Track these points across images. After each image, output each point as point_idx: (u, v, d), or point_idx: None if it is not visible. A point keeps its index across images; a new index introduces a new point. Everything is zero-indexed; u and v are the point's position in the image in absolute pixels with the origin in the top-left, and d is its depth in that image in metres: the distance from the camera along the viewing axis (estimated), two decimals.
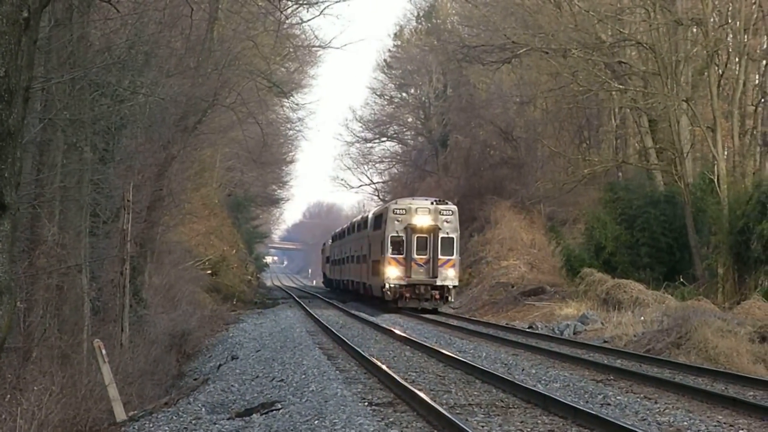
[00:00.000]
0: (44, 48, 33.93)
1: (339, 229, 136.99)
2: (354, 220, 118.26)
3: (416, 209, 76.65)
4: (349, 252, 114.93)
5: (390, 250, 76.82)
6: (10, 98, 19.13)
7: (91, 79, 41.45)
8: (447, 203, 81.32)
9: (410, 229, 75.67)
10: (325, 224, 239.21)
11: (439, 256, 75.35)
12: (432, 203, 78.52)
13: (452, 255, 76.09)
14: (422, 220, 75.73)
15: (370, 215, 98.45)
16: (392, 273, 76.47)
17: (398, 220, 76.46)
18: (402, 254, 75.90)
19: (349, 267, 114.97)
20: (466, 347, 50.83)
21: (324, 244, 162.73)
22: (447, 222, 75.95)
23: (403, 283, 76.21)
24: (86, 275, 43.90)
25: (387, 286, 76.81)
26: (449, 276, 75.65)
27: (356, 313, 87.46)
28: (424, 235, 75.72)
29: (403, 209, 77.20)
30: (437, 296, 76.35)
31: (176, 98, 57.01)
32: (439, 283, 75.53)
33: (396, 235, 76.41)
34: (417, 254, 76.13)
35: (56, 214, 40.12)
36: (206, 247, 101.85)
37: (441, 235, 75.30)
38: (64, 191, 40.63)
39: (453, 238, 76.15)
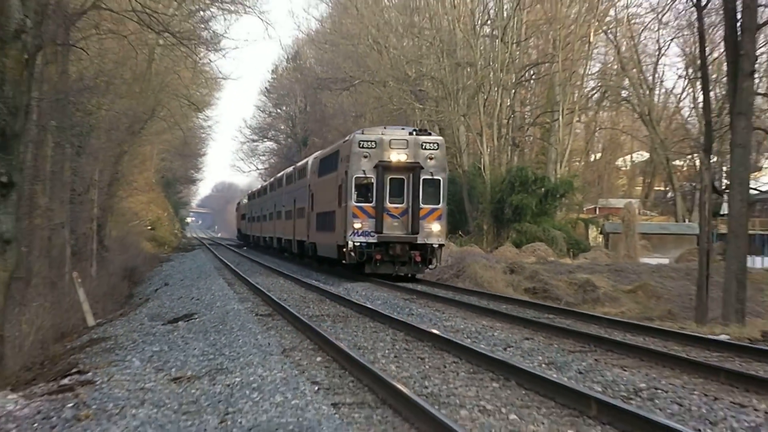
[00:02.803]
0: (38, 78, 35.96)
1: (259, 186, 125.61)
2: (282, 173, 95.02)
3: (390, 141, 51.98)
4: (273, 208, 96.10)
5: (354, 197, 52.13)
6: (16, 112, 21.16)
7: (69, 99, 46.32)
8: (430, 133, 56.57)
9: (382, 168, 51.63)
10: (226, 196, 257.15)
11: (421, 205, 51.51)
12: (411, 133, 53.46)
13: (438, 203, 52.12)
14: (398, 156, 51.82)
15: (312, 158, 73.89)
16: (357, 227, 51.90)
17: (365, 156, 52.07)
18: (370, 202, 51.82)
19: (273, 223, 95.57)
20: (320, 277, 56.39)
21: (238, 203, 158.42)
22: (431, 159, 51.84)
23: (372, 240, 51.78)
24: (67, 230, 50.53)
25: (350, 245, 51.86)
26: (434, 231, 51.95)
27: (247, 255, 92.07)
28: (401, 176, 51.92)
29: (372, 141, 52.24)
30: (417, 258, 52.12)
31: (126, 112, 64.25)
32: (420, 240, 51.65)
33: (362, 176, 52.10)
34: (391, 202, 52.04)
35: (47, 189, 46.24)
36: (147, 211, 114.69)
37: (423, 176, 51.39)
38: (52, 174, 47.12)
39: (439, 181, 52.00)
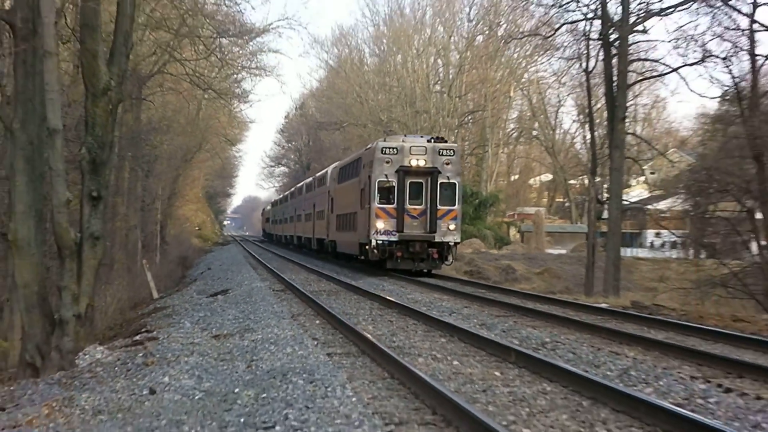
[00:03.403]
0: (119, 122, 34.49)
1: (281, 196, 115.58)
2: (302, 182, 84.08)
3: (410, 148, 44.90)
4: (293, 212, 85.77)
5: (377, 199, 45.08)
6: (103, 146, 21.60)
7: (141, 137, 47.43)
8: (446, 141, 48.54)
9: (403, 172, 44.63)
10: (252, 205, 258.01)
11: (438, 207, 44.62)
12: (429, 141, 46.17)
13: (454, 205, 45.15)
14: (418, 162, 45.01)
15: (332, 168, 64.86)
16: (380, 227, 44.65)
17: (387, 162, 45.15)
18: (392, 204, 44.73)
19: (294, 225, 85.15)
20: (317, 263, 54.02)
21: (263, 210, 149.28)
22: (447, 164, 44.91)
23: (393, 238, 44.41)
24: (139, 230, 51.44)
25: (373, 242, 44.54)
26: (450, 230, 44.77)
27: (267, 248, 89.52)
28: (420, 180, 44.96)
29: (393, 148, 45.20)
30: (435, 255, 44.66)
31: (181, 146, 65.50)
32: (438, 239, 44.35)
33: (384, 180, 45.01)
34: (411, 204, 45.02)
35: (124, 201, 46.99)
36: (195, 216, 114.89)
37: (440, 180, 44.52)
38: (128, 190, 47.85)
39: (455, 184, 44.91)
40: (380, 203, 43.49)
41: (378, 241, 43.06)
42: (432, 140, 44.73)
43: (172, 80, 46.18)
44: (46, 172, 20.60)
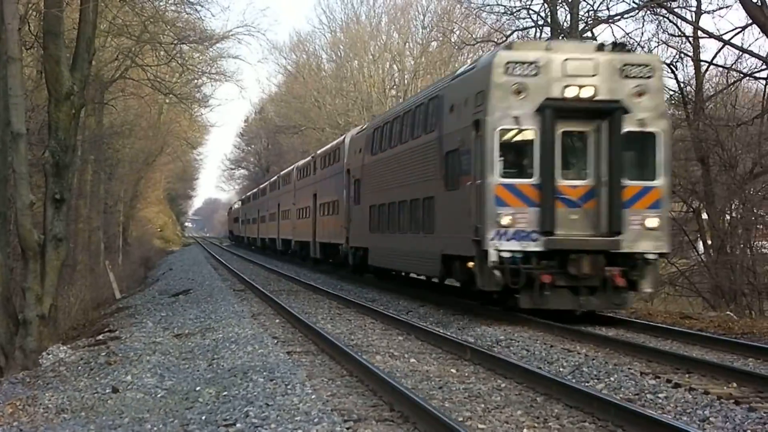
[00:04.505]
0: (82, 126, 34.62)
1: (254, 190, 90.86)
2: (292, 167, 61.85)
3: (565, 64, 20.39)
4: (275, 208, 65.44)
5: (499, 168, 20.52)
6: (66, 149, 21.62)
7: (103, 141, 47.09)
8: (633, 50, 27.83)
9: (552, 113, 20.22)
10: (213, 207, 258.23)
11: (625, 181, 20.36)
12: (600, 49, 21.54)
13: (654, 178, 20.76)
14: (580, 90, 20.36)
15: (355, 133, 40.72)
16: (505, 222, 20.06)
17: (518, 90, 20.27)
18: (528, 177, 20.43)
19: (278, 223, 64.48)
20: (276, 264, 53.20)
21: (230, 208, 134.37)
22: (640, 94, 20.52)
23: (533, 247, 20.10)
24: (101, 231, 51.35)
25: (493, 255, 20.08)
26: (648, 229, 20.37)
27: (228, 249, 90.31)
28: (583, 129, 20.89)
29: (531, 64, 20.48)
30: (619, 279, 20.00)
31: (142, 150, 65.47)
32: (625, 247, 20.08)
33: (512, 128, 20.52)
34: (565, 177, 20.63)
35: (87, 203, 46.45)
36: (157, 218, 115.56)
37: (628, 127, 20.27)
38: (91, 192, 47.31)
39: (654, 136, 20.61)
40: (505, 175, 20.86)
41: (503, 253, 20.39)
42: (605, 48, 21.83)
43: (134, 85, 46.03)
44: (9, 175, 20.58)
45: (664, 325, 20.76)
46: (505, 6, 45.05)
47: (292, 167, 62.58)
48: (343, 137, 43.33)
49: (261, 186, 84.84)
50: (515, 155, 21.06)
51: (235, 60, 56.18)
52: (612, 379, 13.93)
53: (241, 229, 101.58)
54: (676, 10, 37.13)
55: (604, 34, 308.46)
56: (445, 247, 24.38)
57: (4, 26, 19.72)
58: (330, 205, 43.61)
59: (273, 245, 68.44)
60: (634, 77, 20.70)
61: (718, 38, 35.99)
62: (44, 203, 21.57)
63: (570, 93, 20.47)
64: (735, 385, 13.17)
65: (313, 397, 12.09)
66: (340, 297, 28.84)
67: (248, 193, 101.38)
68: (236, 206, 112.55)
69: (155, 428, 11.46)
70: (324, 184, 46.11)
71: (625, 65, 20.74)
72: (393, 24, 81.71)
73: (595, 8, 41.85)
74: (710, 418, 11.13)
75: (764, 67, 35.50)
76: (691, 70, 38.48)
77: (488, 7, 46.46)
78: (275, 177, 73.42)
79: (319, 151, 50.95)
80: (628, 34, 74.03)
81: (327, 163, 45.84)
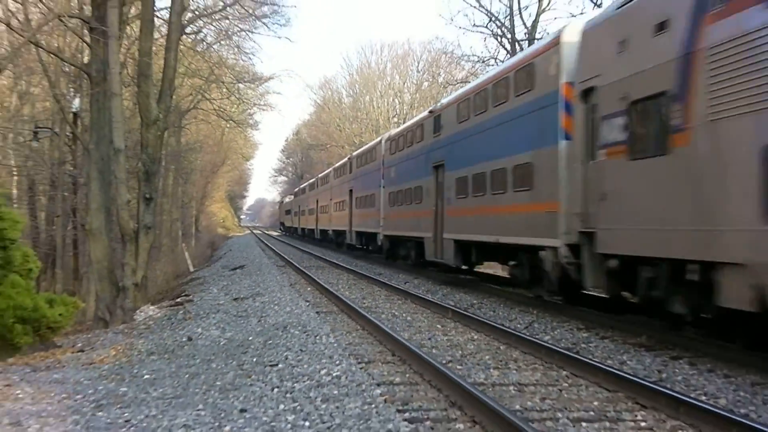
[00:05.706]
0: (165, 143, 32.11)
1: (304, 184, 75.54)
2: (355, 153, 43.64)
3: None
4: (338, 196, 47.39)
5: None
6: (154, 161, 21.95)
7: (181, 155, 47.48)
8: None
9: None
10: (261, 204, 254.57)
11: None
12: None
13: None
14: None
15: (447, 101, 23.74)
16: None
17: None
18: None
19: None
20: (312, 249, 51.41)
21: (281, 201, 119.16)
22: None
23: None
24: (179, 222, 51.21)
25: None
26: None
27: (273, 236, 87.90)
28: None
29: None
30: None
31: (210, 161, 65.09)
32: None
33: None
34: None
35: (169, 201, 46.82)
36: (220, 213, 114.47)
37: None
38: (172, 193, 47.65)
39: None
40: None
41: None
42: None
43: (204, 114, 46.00)
44: (112, 180, 20.75)
45: (598, 295, 20.51)
46: (478, 56, 44.95)
47: (329, 169, 55.42)
48: (379, 139, 36.26)
49: (301, 186, 78.42)
50: None
51: (278, 95, 56.22)
52: (556, 333, 13.92)
53: (293, 219, 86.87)
54: None
55: None
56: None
57: (109, 70, 20.06)
58: (366, 198, 37.55)
59: (312, 234, 63.15)
60: None
61: None
62: (138, 201, 21.88)
63: None
64: (645, 337, 13.18)
65: (335, 345, 12.08)
66: (355, 271, 28.51)
67: (295, 189, 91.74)
68: (287, 199, 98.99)
69: (219, 367, 11.48)
70: (360, 181, 39.47)
71: None
72: (395, 69, 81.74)
73: None
74: (627, 362, 11.15)
75: None
76: None
77: (466, 56, 46.34)
78: (313, 179, 65.12)
79: (354, 153, 43.64)
80: None
81: (363, 162, 39.18)
